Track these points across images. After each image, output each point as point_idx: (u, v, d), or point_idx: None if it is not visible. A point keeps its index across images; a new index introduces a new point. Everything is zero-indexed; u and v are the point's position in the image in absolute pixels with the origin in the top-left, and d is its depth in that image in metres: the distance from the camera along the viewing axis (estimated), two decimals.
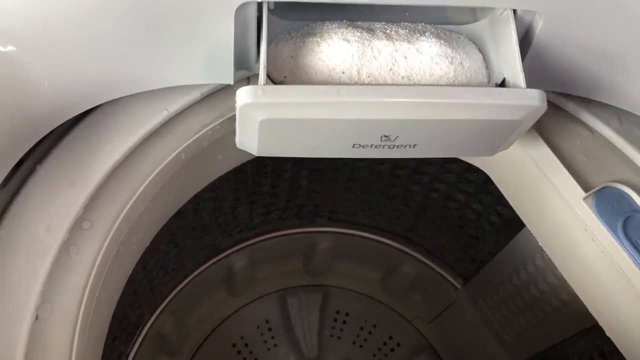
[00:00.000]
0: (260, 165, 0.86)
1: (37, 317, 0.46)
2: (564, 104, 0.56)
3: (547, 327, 0.89)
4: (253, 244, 1.11)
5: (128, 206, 0.51)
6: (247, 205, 0.97)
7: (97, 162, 0.50)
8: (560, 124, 0.56)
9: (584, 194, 0.53)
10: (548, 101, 0.45)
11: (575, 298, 0.61)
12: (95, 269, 0.49)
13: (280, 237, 1.12)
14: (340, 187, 0.99)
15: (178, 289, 1.05)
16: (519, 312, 0.94)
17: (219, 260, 1.09)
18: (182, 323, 1.10)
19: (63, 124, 0.48)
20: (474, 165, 0.66)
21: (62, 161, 0.49)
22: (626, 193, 0.52)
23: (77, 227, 0.49)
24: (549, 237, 0.60)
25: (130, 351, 0.97)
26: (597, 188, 0.53)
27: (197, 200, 0.81)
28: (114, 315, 0.57)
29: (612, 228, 0.51)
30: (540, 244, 0.63)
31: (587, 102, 0.56)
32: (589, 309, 0.58)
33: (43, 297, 0.46)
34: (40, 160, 0.50)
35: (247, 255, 1.11)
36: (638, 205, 0.52)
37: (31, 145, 0.47)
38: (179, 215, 0.65)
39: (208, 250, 1.06)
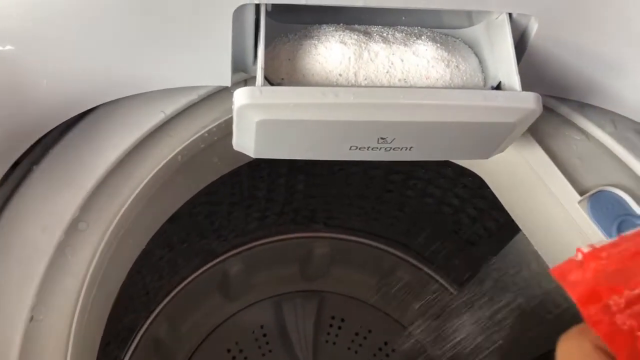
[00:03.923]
0: (257, 170, 0.86)
1: (32, 319, 0.46)
2: (559, 107, 0.56)
3: (543, 332, 0.90)
4: (249, 248, 1.11)
5: (124, 208, 0.51)
6: (242, 209, 0.97)
7: (94, 163, 0.50)
8: (555, 127, 0.57)
9: (579, 198, 0.53)
10: (543, 105, 0.45)
11: (570, 303, 0.61)
12: (90, 271, 0.49)
13: (276, 242, 1.12)
14: (336, 192, 1.00)
15: (173, 293, 1.04)
16: (514, 317, 0.94)
17: (214, 265, 1.09)
18: (177, 328, 1.10)
19: (60, 125, 0.49)
20: (468, 170, 0.67)
21: (59, 162, 0.49)
22: (620, 197, 0.53)
23: (73, 228, 0.49)
24: (544, 241, 0.60)
25: (125, 356, 0.97)
26: (592, 192, 0.53)
27: (192, 204, 0.81)
28: (108, 320, 0.57)
29: (607, 231, 0.51)
30: (535, 247, 0.63)
31: (582, 106, 0.56)
32: None
33: (38, 298, 0.46)
34: (37, 160, 0.50)
35: (243, 260, 1.11)
36: (632, 209, 0.52)
37: (28, 146, 0.47)
38: (174, 218, 0.65)
39: (203, 255, 1.06)
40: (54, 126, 0.48)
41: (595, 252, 0.28)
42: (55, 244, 0.47)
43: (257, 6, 0.44)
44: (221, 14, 0.42)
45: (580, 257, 0.28)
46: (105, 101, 0.49)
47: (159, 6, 0.42)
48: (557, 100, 0.56)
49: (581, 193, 0.54)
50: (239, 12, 0.43)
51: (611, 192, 0.53)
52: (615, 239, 0.29)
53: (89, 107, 0.49)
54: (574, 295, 0.28)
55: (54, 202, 0.48)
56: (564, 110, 0.57)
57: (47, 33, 0.42)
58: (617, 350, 0.27)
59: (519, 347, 0.98)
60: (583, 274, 0.28)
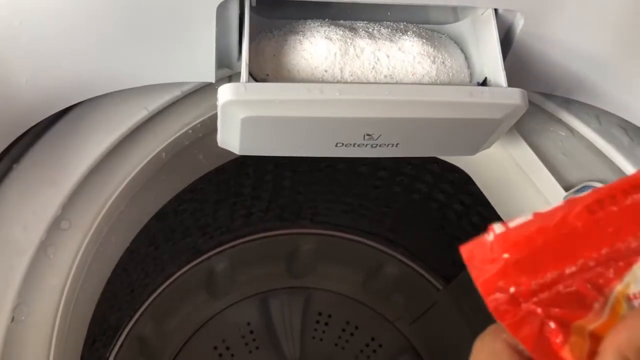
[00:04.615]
0: (242, 166, 0.86)
1: (13, 319, 0.45)
2: (544, 104, 0.57)
3: None
4: (234, 246, 1.10)
5: (107, 206, 0.50)
6: (228, 206, 0.97)
7: (76, 160, 0.49)
8: (540, 123, 0.57)
9: (564, 193, 0.53)
10: (529, 101, 0.45)
11: None
12: (73, 270, 0.48)
13: (262, 239, 1.12)
14: (323, 188, 0.99)
15: (158, 291, 1.04)
16: None
17: (200, 262, 1.08)
18: (163, 326, 1.09)
19: (41, 122, 0.48)
20: (454, 166, 0.67)
21: (40, 160, 0.49)
22: None
23: (55, 226, 0.48)
24: None
25: (110, 355, 0.96)
26: (577, 187, 0.54)
27: (177, 201, 0.80)
28: (93, 318, 0.56)
29: None
30: None
31: (567, 102, 0.56)
32: None
33: (19, 299, 0.45)
34: (17, 158, 0.49)
35: (229, 258, 1.10)
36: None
37: (8, 144, 0.47)
38: (159, 216, 0.64)
39: (189, 252, 1.05)
40: (34, 123, 0.47)
41: (506, 234, 0.26)
42: (36, 243, 0.47)
43: (241, 1, 0.44)
44: (205, 9, 0.42)
45: (491, 237, 0.26)
46: (87, 98, 0.48)
47: (141, 2, 0.41)
48: (542, 96, 0.56)
49: (566, 188, 0.54)
50: (222, 7, 0.42)
51: (596, 187, 0.53)
52: (529, 217, 0.26)
53: (70, 104, 0.48)
54: (477, 283, 0.26)
55: (35, 201, 0.47)
56: (550, 106, 0.57)
57: (27, 30, 0.41)
58: (524, 340, 0.26)
59: None
60: (491, 258, 0.26)
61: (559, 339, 0.25)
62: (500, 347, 0.27)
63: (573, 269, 0.26)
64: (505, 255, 0.25)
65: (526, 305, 0.26)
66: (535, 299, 0.26)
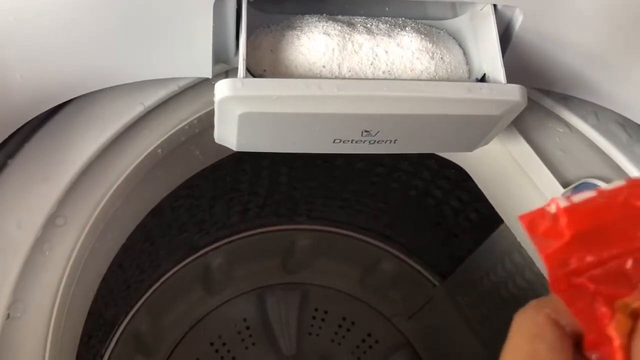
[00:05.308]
0: (239, 162, 0.86)
1: (8, 316, 0.45)
2: (542, 100, 0.56)
3: None
4: (231, 242, 1.10)
5: (103, 202, 0.50)
6: (224, 202, 0.97)
7: (71, 156, 0.48)
8: (538, 120, 0.57)
9: (562, 190, 0.53)
10: (527, 97, 0.45)
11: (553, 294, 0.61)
12: (69, 267, 0.48)
13: (258, 234, 1.12)
14: (319, 184, 0.99)
15: (154, 287, 1.03)
16: (497, 308, 0.95)
17: (196, 258, 1.08)
18: (159, 322, 1.09)
19: (36, 117, 0.47)
20: (451, 162, 0.67)
21: (35, 156, 0.48)
22: None
23: (50, 223, 0.47)
24: None
25: (106, 351, 0.96)
26: (575, 184, 0.53)
27: (174, 197, 0.80)
28: (89, 314, 0.56)
29: None
30: (518, 240, 0.63)
31: (565, 99, 0.56)
32: None
33: (15, 296, 0.45)
34: (12, 154, 0.48)
35: (225, 254, 1.10)
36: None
37: (2, 140, 0.46)
38: (155, 212, 0.64)
39: (185, 249, 1.05)
40: (29, 119, 0.47)
41: (572, 208, 0.26)
42: (32, 240, 0.46)
43: None
44: (202, 3, 0.41)
45: (554, 209, 0.26)
46: (82, 94, 0.48)
47: None
48: (540, 92, 0.56)
49: (564, 185, 0.54)
50: (220, 2, 0.42)
51: (594, 183, 0.54)
52: (593, 193, 0.27)
53: (65, 100, 0.48)
54: (542, 255, 0.26)
55: (30, 197, 0.47)
56: (548, 102, 0.57)
57: (21, 26, 0.40)
58: (577, 313, 0.27)
59: (501, 337, 0.98)
60: (556, 231, 0.26)
61: (605, 316, 0.26)
62: (542, 320, 0.28)
63: (628, 248, 0.26)
64: (570, 230, 0.26)
65: (580, 279, 0.26)
66: (588, 274, 0.26)
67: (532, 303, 0.29)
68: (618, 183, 0.27)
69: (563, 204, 0.26)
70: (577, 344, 0.28)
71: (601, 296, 0.26)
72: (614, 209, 0.26)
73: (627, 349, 0.26)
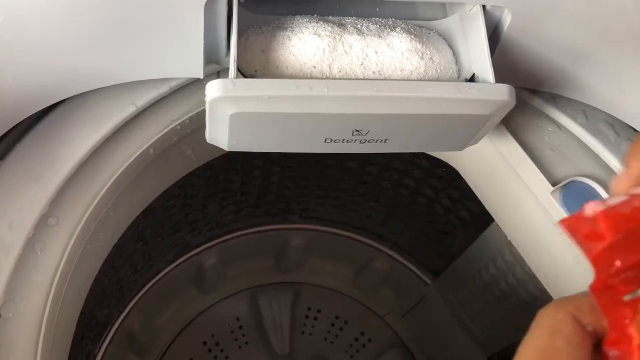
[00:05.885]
0: (232, 162, 0.86)
1: (0, 317, 0.45)
2: (531, 99, 0.57)
3: (517, 321, 0.91)
4: (224, 241, 1.10)
5: (95, 202, 0.50)
6: (217, 202, 0.97)
7: (63, 157, 0.48)
8: (528, 119, 0.57)
9: (551, 188, 0.54)
10: (516, 97, 0.45)
11: (544, 292, 0.62)
12: (61, 267, 0.48)
13: (251, 234, 1.12)
14: (312, 184, 0.99)
15: (147, 287, 1.03)
16: (489, 306, 0.96)
17: (189, 258, 1.08)
18: (152, 322, 1.09)
19: (27, 118, 0.47)
20: (443, 161, 0.67)
21: (27, 156, 0.48)
22: (592, 187, 0.53)
23: (42, 223, 0.48)
24: (518, 231, 0.61)
25: (99, 351, 0.96)
26: (565, 182, 0.54)
27: (166, 197, 0.80)
28: (82, 314, 0.56)
29: None
30: (509, 238, 0.64)
31: (554, 98, 0.57)
32: None
33: (7, 296, 0.45)
34: (2, 156, 0.48)
35: (218, 253, 1.10)
36: (604, 199, 0.53)
37: None
38: (148, 212, 0.64)
39: (178, 249, 1.05)
40: (20, 120, 0.47)
41: (609, 212, 0.27)
42: (24, 241, 0.46)
43: None
44: (193, 4, 0.41)
45: (591, 212, 0.27)
46: (75, 94, 0.48)
47: None
48: (530, 92, 0.57)
49: (554, 184, 0.54)
50: (211, 3, 0.42)
51: (583, 182, 0.54)
52: (624, 198, 0.27)
53: (57, 101, 0.48)
54: (589, 257, 0.27)
55: (22, 198, 0.47)
56: (537, 102, 0.57)
57: (11, 27, 0.40)
58: (604, 311, 0.28)
59: (493, 335, 0.99)
60: (597, 234, 0.27)
61: (627, 317, 0.27)
62: (563, 316, 0.29)
63: None
64: (611, 232, 0.27)
65: (615, 280, 0.27)
66: (621, 277, 0.27)
67: (554, 302, 0.30)
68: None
69: (599, 208, 0.27)
70: (597, 344, 0.29)
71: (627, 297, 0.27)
72: None
73: None
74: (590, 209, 0.27)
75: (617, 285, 0.27)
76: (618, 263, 0.27)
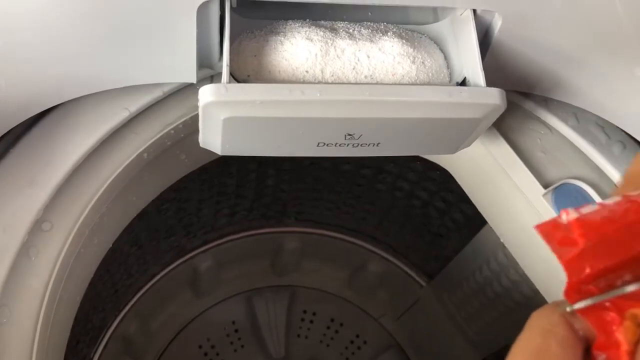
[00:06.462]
0: (226, 165, 0.86)
1: None
2: (523, 102, 0.57)
3: (511, 322, 0.91)
4: (219, 244, 1.10)
5: (89, 207, 0.50)
6: (212, 205, 0.97)
7: (57, 162, 0.49)
8: (519, 122, 0.57)
9: (543, 191, 0.54)
10: (508, 100, 0.46)
11: (537, 293, 0.62)
12: (56, 271, 0.48)
13: (246, 237, 1.12)
14: (307, 186, 1.00)
15: (142, 291, 1.03)
16: (483, 308, 0.96)
17: (184, 261, 1.08)
18: (147, 325, 1.09)
19: (21, 123, 0.47)
20: (436, 164, 0.67)
21: (21, 161, 0.48)
22: (583, 189, 0.54)
23: (36, 228, 0.48)
24: (510, 233, 0.61)
25: (94, 355, 0.95)
26: (556, 185, 0.54)
27: (160, 201, 0.80)
28: (76, 319, 0.56)
29: None
30: (501, 240, 0.64)
31: (545, 101, 0.57)
32: None
33: (1, 301, 0.45)
34: None
35: (213, 256, 1.10)
36: (595, 201, 0.53)
37: None
38: (142, 216, 0.64)
39: (173, 252, 1.05)
40: (14, 125, 0.47)
41: (582, 219, 0.28)
42: (18, 245, 0.46)
43: (222, 1, 0.44)
44: (185, 9, 0.42)
45: (565, 219, 0.28)
46: (68, 99, 0.48)
47: (121, 3, 0.41)
48: (521, 95, 0.57)
49: (545, 186, 0.55)
50: (203, 8, 0.42)
51: (574, 184, 0.55)
52: (596, 206, 0.28)
53: (51, 106, 0.48)
54: (562, 261, 0.28)
55: (16, 202, 0.47)
56: (528, 104, 0.57)
57: (3, 33, 0.41)
58: (585, 315, 0.28)
59: (488, 336, 0.99)
60: (570, 239, 0.28)
61: (614, 322, 0.28)
62: (557, 318, 0.29)
63: (631, 257, 0.27)
64: (583, 239, 0.27)
65: (589, 286, 0.28)
66: (597, 282, 0.28)
67: (548, 304, 0.31)
68: (616, 198, 0.28)
69: (573, 215, 0.28)
70: (587, 349, 0.29)
71: (610, 302, 0.28)
72: (617, 221, 0.28)
73: (633, 355, 0.27)
74: (565, 215, 0.28)
75: (593, 291, 0.28)
76: (587, 270, 0.27)
